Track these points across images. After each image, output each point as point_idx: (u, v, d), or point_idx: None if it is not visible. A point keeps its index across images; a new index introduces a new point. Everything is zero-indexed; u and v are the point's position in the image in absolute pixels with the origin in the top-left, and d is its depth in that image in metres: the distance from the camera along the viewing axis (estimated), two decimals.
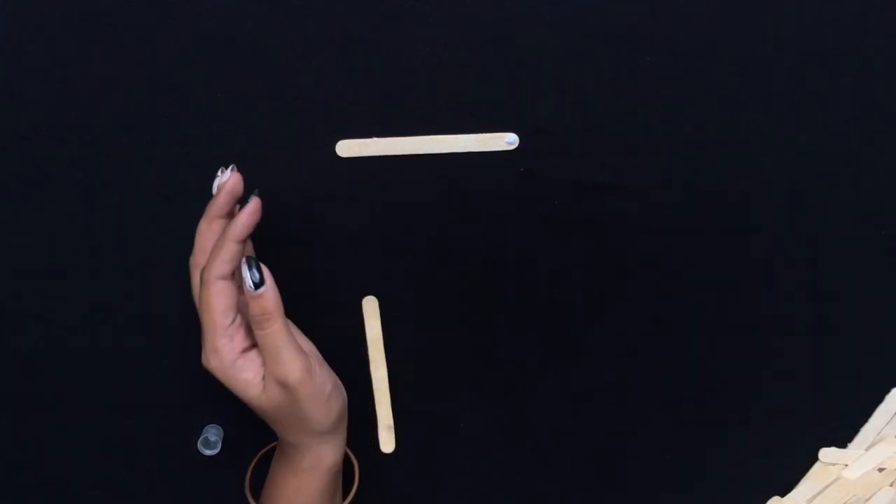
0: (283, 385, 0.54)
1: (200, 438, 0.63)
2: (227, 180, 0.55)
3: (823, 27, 0.61)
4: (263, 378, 0.54)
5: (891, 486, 0.65)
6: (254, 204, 0.53)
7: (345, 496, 0.62)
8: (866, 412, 0.66)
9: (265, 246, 0.62)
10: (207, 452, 0.63)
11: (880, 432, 0.65)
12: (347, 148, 0.61)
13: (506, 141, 0.61)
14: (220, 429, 0.64)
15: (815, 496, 0.66)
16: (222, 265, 0.53)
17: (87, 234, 0.62)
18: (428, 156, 0.60)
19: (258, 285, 0.53)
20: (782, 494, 0.67)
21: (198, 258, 0.56)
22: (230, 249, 0.53)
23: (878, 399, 0.66)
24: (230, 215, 0.56)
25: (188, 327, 0.63)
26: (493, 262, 0.63)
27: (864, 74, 0.62)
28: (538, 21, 0.60)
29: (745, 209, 0.63)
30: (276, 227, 0.62)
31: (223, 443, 0.64)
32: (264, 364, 0.54)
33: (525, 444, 0.66)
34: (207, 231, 0.56)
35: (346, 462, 0.62)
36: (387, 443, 0.66)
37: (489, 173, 0.61)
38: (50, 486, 0.65)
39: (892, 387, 0.66)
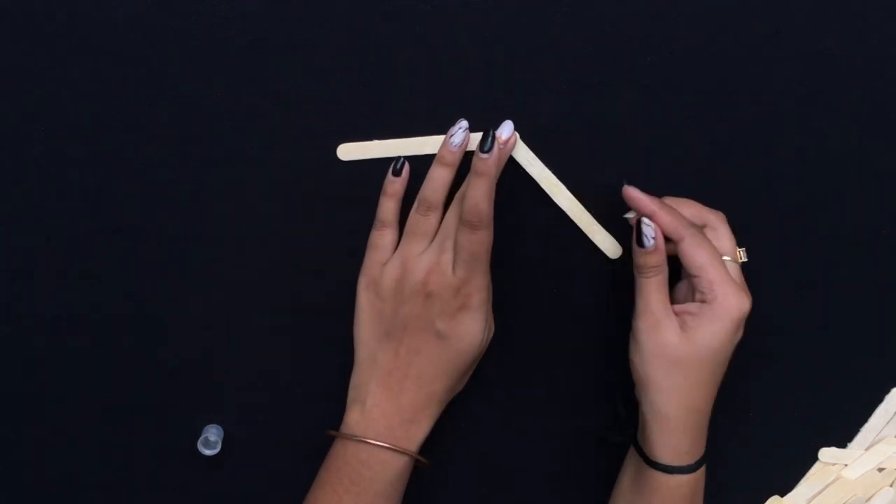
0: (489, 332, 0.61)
1: (200, 438, 0.63)
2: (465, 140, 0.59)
3: (823, 27, 0.61)
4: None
5: (891, 486, 0.65)
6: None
7: None
8: (866, 412, 0.66)
9: (265, 248, 0.63)
10: (207, 452, 0.63)
11: (880, 432, 0.65)
12: (348, 151, 0.61)
13: None
14: (220, 429, 0.64)
15: (815, 496, 0.66)
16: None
17: (87, 234, 0.62)
18: (429, 157, 0.60)
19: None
20: (782, 494, 0.67)
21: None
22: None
23: (878, 399, 0.66)
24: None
25: (188, 327, 0.63)
26: (493, 262, 0.63)
27: (864, 74, 0.62)
28: (538, 21, 0.60)
29: (744, 208, 0.63)
30: (277, 229, 0.62)
31: (223, 443, 0.64)
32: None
33: (525, 444, 0.66)
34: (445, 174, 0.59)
35: None
36: None
37: None
38: (50, 486, 0.65)
39: (892, 387, 0.66)
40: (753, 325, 0.64)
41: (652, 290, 0.57)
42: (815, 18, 0.61)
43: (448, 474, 0.66)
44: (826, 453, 0.66)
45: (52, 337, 0.63)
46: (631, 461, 0.61)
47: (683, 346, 0.56)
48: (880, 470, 0.65)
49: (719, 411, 0.65)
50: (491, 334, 0.61)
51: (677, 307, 0.57)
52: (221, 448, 0.63)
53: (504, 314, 0.62)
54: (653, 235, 0.56)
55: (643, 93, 0.61)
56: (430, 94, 0.61)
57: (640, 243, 0.57)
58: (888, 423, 0.65)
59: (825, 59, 0.61)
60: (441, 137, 0.60)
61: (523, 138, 0.61)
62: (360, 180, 0.61)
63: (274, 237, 0.62)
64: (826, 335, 0.65)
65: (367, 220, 0.62)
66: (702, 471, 0.59)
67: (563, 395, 0.65)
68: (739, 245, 0.60)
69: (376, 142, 0.61)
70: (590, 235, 0.62)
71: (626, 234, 0.63)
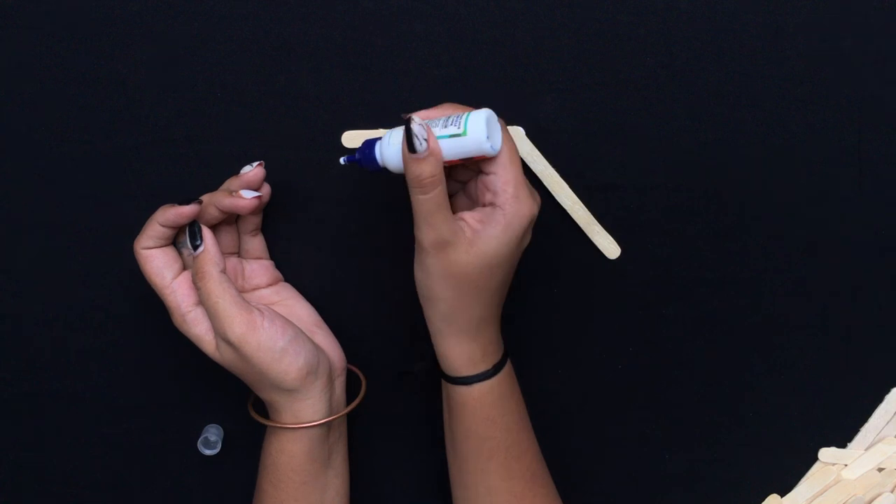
0: (227, 341, 0.55)
1: (200, 438, 0.63)
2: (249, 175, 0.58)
3: (823, 27, 0.61)
4: (215, 336, 0.56)
5: (891, 492, 0.65)
6: (190, 209, 0.56)
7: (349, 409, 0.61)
8: (866, 412, 0.66)
9: (271, 234, 0.62)
10: (207, 452, 0.63)
11: (880, 432, 0.65)
12: (353, 138, 0.61)
13: None
14: (220, 429, 0.64)
15: (814, 496, 0.66)
16: (146, 240, 0.57)
17: (87, 234, 0.62)
18: None
19: (196, 247, 0.56)
20: (782, 494, 0.67)
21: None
22: (155, 228, 0.56)
23: (878, 399, 0.66)
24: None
25: None
26: None
27: (864, 74, 0.62)
28: (538, 21, 0.60)
29: (745, 209, 0.63)
30: (281, 216, 0.62)
31: (223, 443, 0.64)
32: (210, 321, 0.56)
33: None
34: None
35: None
36: None
37: None
38: (50, 485, 0.65)
39: (892, 387, 0.66)
40: (754, 324, 0.64)
41: (433, 208, 0.51)
42: (815, 18, 0.61)
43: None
44: (826, 453, 0.66)
45: (52, 337, 0.63)
46: (444, 391, 0.59)
47: (473, 261, 0.52)
48: (880, 470, 0.65)
49: (719, 411, 0.66)
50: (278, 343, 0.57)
51: (462, 215, 0.53)
52: (221, 448, 0.63)
53: (503, 314, 0.62)
54: (425, 136, 0.50)
55: (643, 93, 0.61)
56: (430, 94, 0.61)
57: (412, 148, 0.50)
58: (888, 423, 0.65)
59: (825, 59, 0.61)
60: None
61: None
62: (361, 180, 0.61)
63: (279, 227, 0.62)
64: (826, 335, 0.65)
65: (367, 220, 0.62)
66: (505, 372, 0.58)
67: (562, 395, 0.65)
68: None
69: (382, 130, 0.61)
70: (589, 235, 0.62)
71: (626, 234, 0.63)
